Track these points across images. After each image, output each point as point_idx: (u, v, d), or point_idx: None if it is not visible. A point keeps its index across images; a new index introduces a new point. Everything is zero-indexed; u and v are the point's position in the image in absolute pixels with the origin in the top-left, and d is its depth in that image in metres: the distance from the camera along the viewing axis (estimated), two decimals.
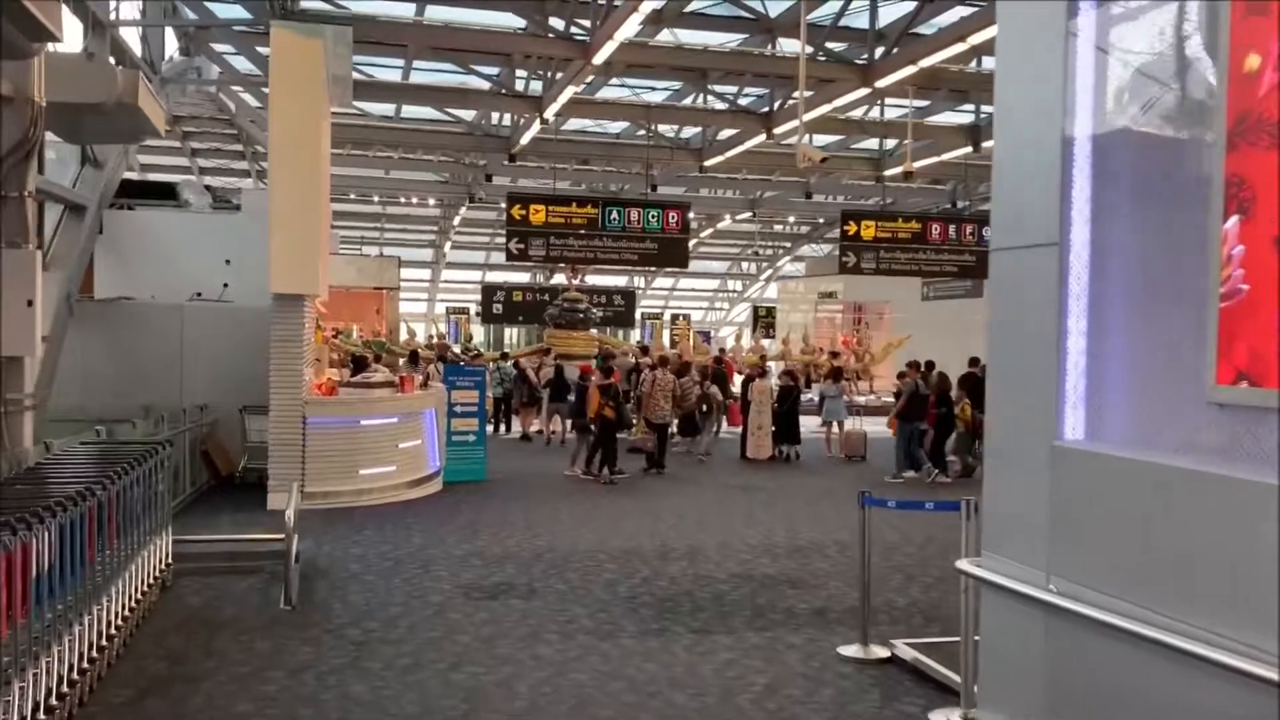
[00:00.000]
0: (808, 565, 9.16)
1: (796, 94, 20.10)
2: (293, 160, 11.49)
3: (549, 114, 18.97)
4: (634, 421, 16.37)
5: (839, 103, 17.47)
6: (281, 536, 7.91)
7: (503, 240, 21.29)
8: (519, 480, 14.34)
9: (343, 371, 15.76)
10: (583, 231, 19.40)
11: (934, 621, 7.49)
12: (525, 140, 21.57)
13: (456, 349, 26.24)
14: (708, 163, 23.41)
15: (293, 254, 11.48)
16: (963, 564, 4.95)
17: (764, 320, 36.33)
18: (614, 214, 19.57)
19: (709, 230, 33.69)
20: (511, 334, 36.72)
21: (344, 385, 13.19)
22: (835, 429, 18.55)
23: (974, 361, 16.38)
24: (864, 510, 6.71)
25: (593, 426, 14.23)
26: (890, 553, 9.68)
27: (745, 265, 41.97)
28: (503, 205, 25.81)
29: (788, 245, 38.80)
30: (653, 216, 19.71)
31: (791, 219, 34.81)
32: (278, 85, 11.51)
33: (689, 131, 24.26)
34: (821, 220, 34.64)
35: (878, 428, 19.32)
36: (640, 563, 9.13)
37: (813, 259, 36.46)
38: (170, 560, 8.26)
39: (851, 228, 20.73)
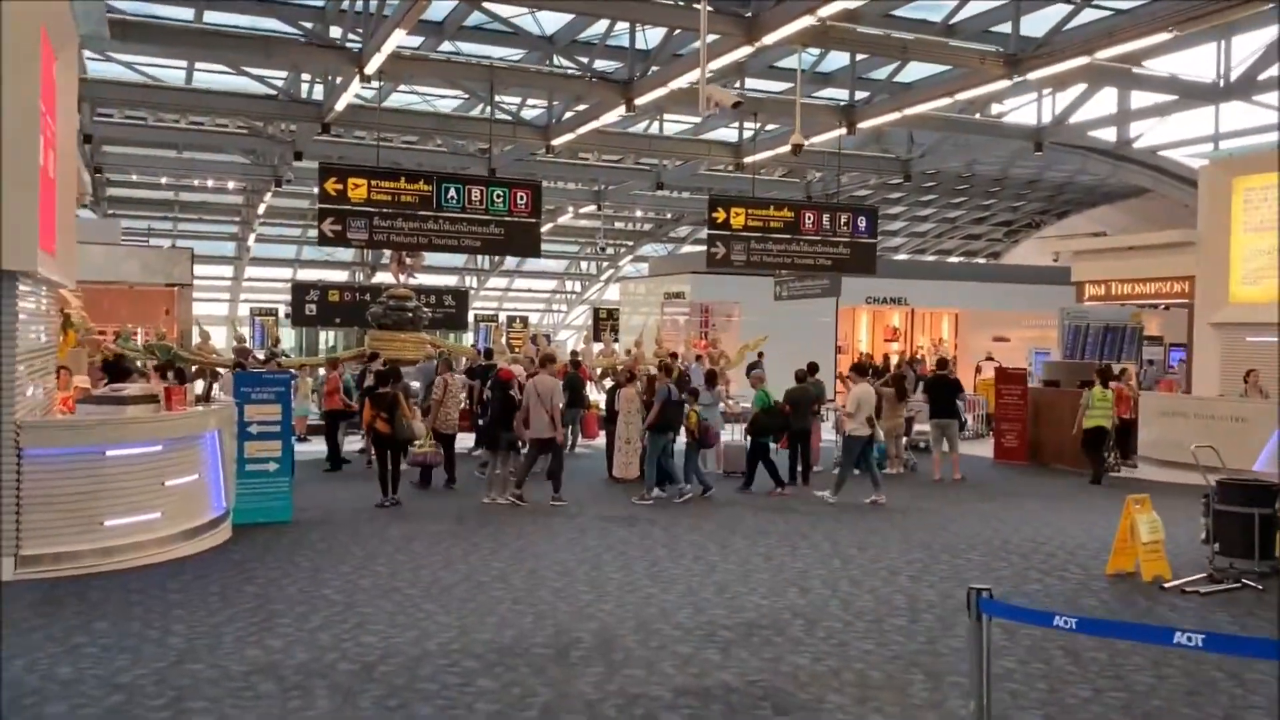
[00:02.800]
0: (778, 661, 6.08)
1: (656, 67, 17.40)
2: None
3: (371, 68, 15.33)
4: (423, 435, 13.39)
5: (717, 65, 14.54)
6: None
7: (315, 234, 17.47)
8: (335, 520, 10.74)
9: (99, 382, 11.78)
10: (414, 212, 15.80)
11: None
12: (341, 106, 17.77)
13: (260, 354, 22.04)
14: (555, 141, 20.19)
15: None
16: None
17: (605, 322, 33.34)
18: (451, 192, 16.05)
19: (549, 225, 30.40)
20: (327, 337, 32.36)
21: (84, 401, 9.27)
22: None
23: (803, 374, 14.92)
24: (981, 623, 3.70)
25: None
26: (883, 633, 6.76)
27: (585, 265, 38.89)
28: (315, 190, 21.91)
29: (629, 244, 35.96)
30: (498, 196, 16.31)
31: (638, 213, 31.98)
32: None
33: (530, 113, 21.04)
34: (669, 215, 31.98)
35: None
36: (530, 672, 5.82)
37: (656, 258, 33.77)
38: None
39: (720, 215, 17.94)
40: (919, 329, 35.46)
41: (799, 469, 14.23)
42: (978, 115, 21.17)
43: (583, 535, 10.04)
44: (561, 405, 12.54)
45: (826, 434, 17.12)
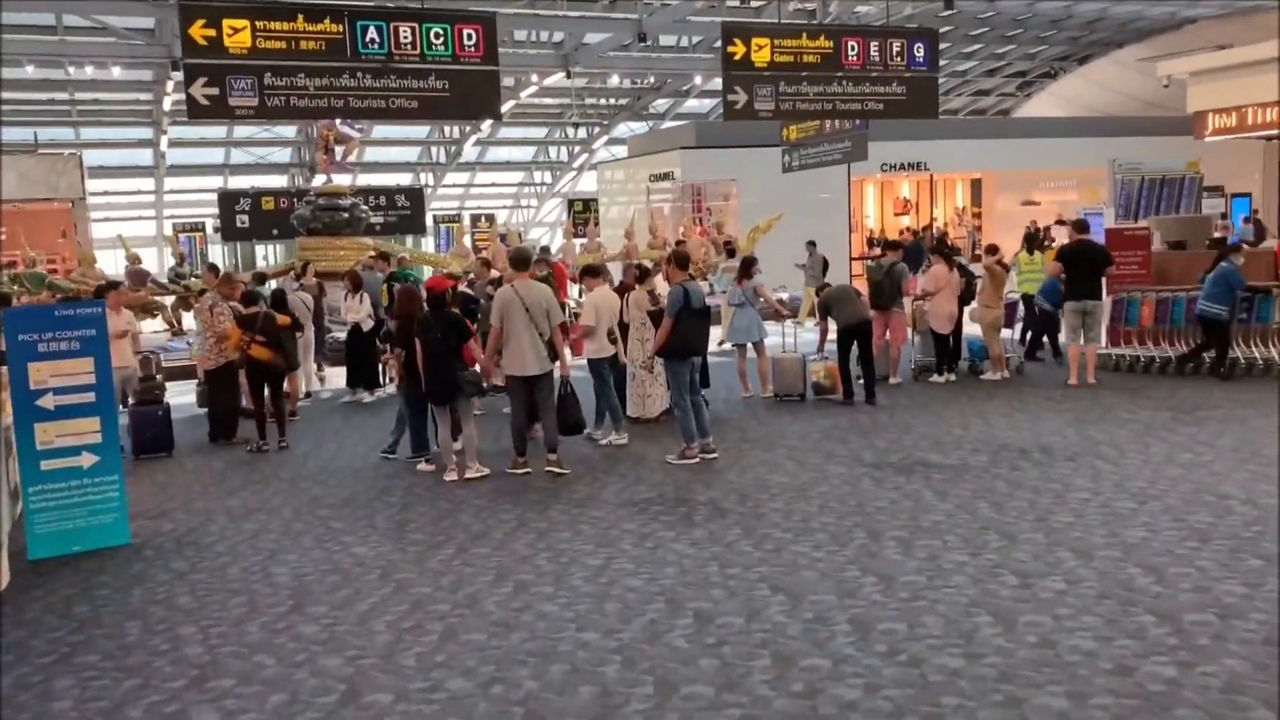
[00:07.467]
0: None
1: None
2: None
3: None
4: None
5: None
6: None
7: (242, 134, 12.54)
8: (199, 538, 6.25)
9: None
10: (321, 64, 10.89)
11: None
12: None
13: (164, 279, 17.30)
14: None
15: None
16: None
17: (582, 215, 28.38)
18: (371, 33, 11.06)
19: (509, 104, 25.20)
20: (265, 252, 27.35)
21: None
22: (752, 352, 11.26)
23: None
24: None
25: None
26: None
27: (554, 153, 33.62)
28: None
29: (604, 123, 30.71)
30: (436, 36, 11.33)
31: (614, 80, 26.73)
32: None
33: None
34: (651, 79, 26.77)
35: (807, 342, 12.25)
36: None
37: (635, 138, 28.67)
38: None
39: (737, 49, 12.97)
40: (934, 200, 30.79)
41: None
42: None
43: (611, 555, 5.55)
44: (561, 322, 8.00)
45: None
